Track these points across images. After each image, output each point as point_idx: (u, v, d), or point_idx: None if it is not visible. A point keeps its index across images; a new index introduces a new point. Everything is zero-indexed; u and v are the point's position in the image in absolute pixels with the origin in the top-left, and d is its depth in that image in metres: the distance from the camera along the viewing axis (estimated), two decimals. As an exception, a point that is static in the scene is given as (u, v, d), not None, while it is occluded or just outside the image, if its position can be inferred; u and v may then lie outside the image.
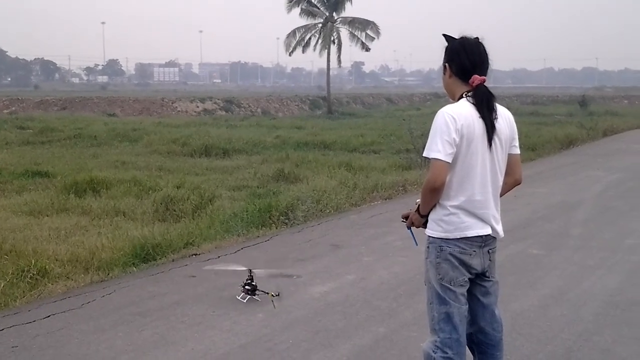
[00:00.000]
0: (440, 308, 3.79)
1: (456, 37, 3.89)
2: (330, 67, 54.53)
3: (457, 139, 3.65)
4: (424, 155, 3.73)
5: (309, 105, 60.53)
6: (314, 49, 52.88)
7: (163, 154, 20.72)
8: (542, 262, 8.05)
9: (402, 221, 4.08)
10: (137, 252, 8.22)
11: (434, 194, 3.73)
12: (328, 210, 11.30)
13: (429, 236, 3.82)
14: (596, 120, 34.13)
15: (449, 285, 3.76)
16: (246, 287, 6.40)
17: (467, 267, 3.76)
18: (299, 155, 19.28)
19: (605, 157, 20.52)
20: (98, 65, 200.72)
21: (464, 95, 3.80)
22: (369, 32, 51.83)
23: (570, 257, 8.26)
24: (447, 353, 3.75)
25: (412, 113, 42.60)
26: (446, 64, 3.87)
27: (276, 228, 9.98)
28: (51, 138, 25.81)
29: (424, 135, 17.12)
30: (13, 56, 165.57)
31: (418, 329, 5.62)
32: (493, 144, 3.75)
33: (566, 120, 35.60)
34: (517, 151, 3.98)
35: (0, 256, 7.83)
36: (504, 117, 3.86)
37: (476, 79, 3.77)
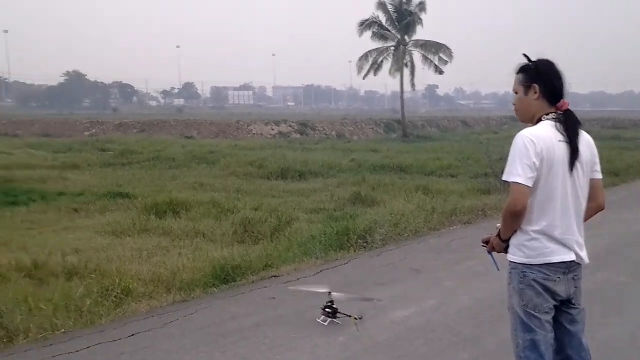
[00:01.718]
0: (525, 335, 3.71)
1: (528, 58, 3.82)
2: (404, 90, 54.42)
3: (537, 163, 3.60)
4: (503, 179, 3.68)
5: (384, 128, 60.43)
6: (388, 73, 52.90)
7: (240, 176, 20.94)
8: (630, 290, 7.81)
9: (483, 246, 4.01)
10: (217, 273, 8.28)
11: (514, 219, 3.68)
12: (406, 234, 11.21)
13: (511, 261, 3.76)
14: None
15: (533, 312, 3.69)
16: (327, 309, 6.38)
17: (551, 293, 3.68)
18: (375, 179, 19.24)
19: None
20: (174, 88, 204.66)
21: (543, 118, 3.75)
22: (441, 55, 51.53)
23: (659, 286, 8.00)
24: None
25: (489, 136, 42.03)
26: (535, 84, 3.77)
27: (354, 251, 9.94)
28: (131, 160, 26.43)
29: (502, 159, 16.85)
30: (92, 80, 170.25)
31: (502, 357, 5.48)
32: (574, 168, 3.69)
33: (648, 145, 34.65)
34: (599, 176, 3.90)
35: (86, 275, 7.98)
36: (585, 141, 3.79)
37: (565, 103, 3.75)
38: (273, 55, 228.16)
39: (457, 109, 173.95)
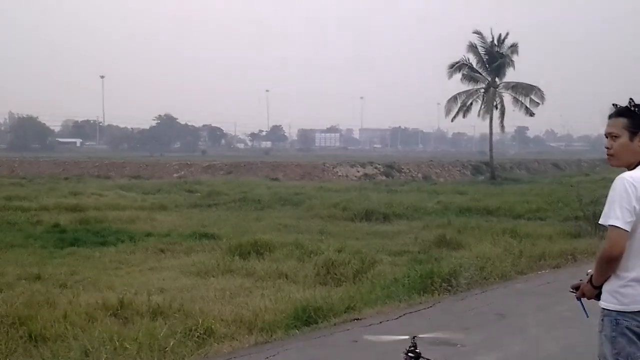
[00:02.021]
0: None
1: (634, 103, 3.76)
2: (493, 132, 53.85)
3: (638, 207, 3.52)
4: (600, 222, 3.61)
5: (471, 170, 59.81)
6: (478, 115, 52.49)
7: (324, 217, 20.98)
8: None
9: (571, 291, 3.88)
10: (298, 315, 8.27)
11: (610, 264, 3.59)
12: (492, 278, 10.97)
13: (604, 308, 3.66)
14: None
15: None
16: (409, 354, 6.24)
17: None
18: (461, 221, 18.97)
19: None
20: (262, 131, 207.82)
21: None
22: (533, 97, 50.84)
23: None
24: None
25: (580, 179, 41.03)
26: None
27: (438, 295, 9.77)
28: (217, 201, 26.85)
29: (594, 202, 16.42)
30: (183, 123, 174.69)
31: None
32: None
33: None
34: None
35: (170, 314, 8.10)
36: None
37: None
38: (361, 98, 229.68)
39: (547, 151, 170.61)
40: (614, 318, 3.60)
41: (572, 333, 7.60)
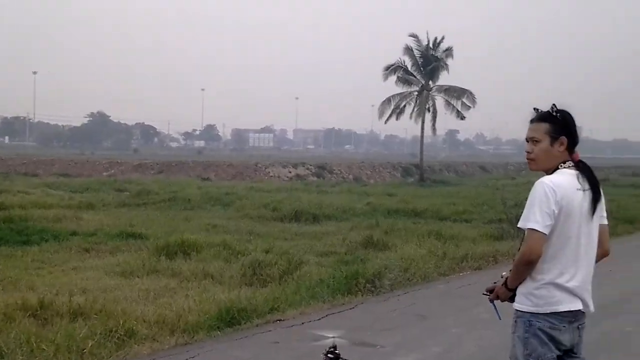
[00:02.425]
0: None
1: (556, 109, 3.88)
2: (425, 134, 54.56)
3: (556, 211, 3.64)
4: (519, 225, 3.72)
5: (401, 172, 60.49)
6: (410, 117, 53.09)
7: (254, 218, 20.94)
8: (635, 339, 7.72)
9: (484, 294, 3.99)
10: (222, 316, 8.26)
11: (528, 267, 3.70)
12: (415, 280, 11.14)
13: (517, 310, 3.76)
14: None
15: None
16: (329, 355, 6.30)
17: (556, 343, 3.70)
18: (389, 223, 19.14)
19: None
20: (196, 130, 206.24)
21: (560, 167, 3.82)
22: (464, 100, 51.69)
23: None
24: None
25: (506, 182, 41.91)
26: (563, 137, 3.83)
27: (362, 296, 9.88)
28: (147, 200, 26.48)
29: (518, 205, 16.79)
30: (115, 121, 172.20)
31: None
32: (590, 215, 3.75)
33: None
34: (606, 222, 3.94)
35: (91, 315, 7.97)
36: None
37: (578, 154, 3.87)
38: (296, 98, 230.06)
39: (476, 154, 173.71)
40: (527, 320, 3.71)
41: (490, 334, 7.77)
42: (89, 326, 7.36)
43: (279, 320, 8.32)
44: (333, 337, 6.51)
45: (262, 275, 11.04)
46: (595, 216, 3.78)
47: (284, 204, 23.22)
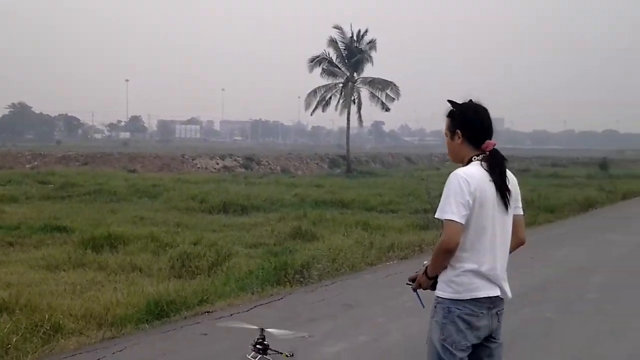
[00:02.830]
0: None
1: (460, 102, 3.99)
2: (351, 126, 54.95)
3: (471, 202, 3.73)
4: (436, 216, 3.80)
5: (329, 163, 60.82)
6: (335, 109, 53.40)
7: (181, 210, 20.81)
8: (556, 326, 8.00)
9: (408, 284, 4.11)
10: (151, 309, 8.21)
11: (446, 256, 3.80)
12: (343, 270, 11.28)
13: (438, 297, 3.87)
14: (616, 182, 34.06)
15: (450, 348, 3.81)
16: (257, 346, 6.36)
17: (474, 329, 3.82)
18: (317, 214, 19.26)
19: (625, 220, 20.45)
20: (121, 121, 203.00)
21: (473, 159, 3.90)
22: (389, 92, 52.27)
23: (585, 322, 8.23)
24: None
25: (431, 173, 42.60)
26: (458, 130, 3.94)
27: (291, 286, 9.97)
28: (71, 193, 26.01)
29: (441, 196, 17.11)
30: (37, 112, 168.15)
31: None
32: (502, 205, 3.85)
33: (586, 183, 35.50)
34: (521, 212, 4.06)
35: (15, 310, 7.82)
36: (509, 179, 3.94)
37: (490, 144, 3.89)
38: (222, 90, 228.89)
39: (402, 145, 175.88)
40: (447, 306, 3.82)
41: (416, 322, 7.93)
42: (13, 321, 7.21)
43: (208, 312, 8.34)
44: (262, 328, 6.57)
45: (190, 267, 11.01)
46: (509, 206, 3.90)
47: (212, 196, 23.13)
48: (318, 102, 52.99)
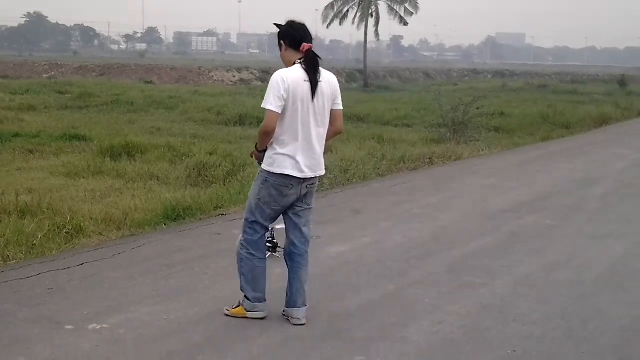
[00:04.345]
0: (249, 216, 5.10)
1: (283, 23, 5.07)
2: (368, 40, 54.59)
3: (285, 96, 4.75)
4: (262, 106, 4.82)
5: (345, 78, 60.54)
6: (352, 22, 52.95)
7: (198, 122, 21.06)
8: (554, 231, 8.33)
9: (251, 157, 5.24)
10: (168, 213, 8.55)
11: (266, 136, 4.87)
12: (355, 180, 11.60)
13: (262, 168, 4.99)
14: (632, 100, 33.93)
15: (262, 205, 5.01)
16: (267, 244, 6.74)
17: (284, 196, 4.94)
18: (332, 127, 19.42)
19: (635, 136, 20.62)
20: (137, 33, 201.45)
21: (296, 62, 4.91)
22: (407, 6, 51.80)
23: (582, 228, 8.55)
24: (249, 250, 5.12)
25: (449, 88, 42.39)
26: (281, 41, 5.04)
27: (302, 195, 10.30)
28: (89, 103, 26.29)
29: (454, 110, 17.33)
30: (53, 22, 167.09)
31: (424, 287, 6.01)
32: (315, 100, 4.87)
33: (604, 100, 35.37)
34: (340, 107, 5.17)
35: (38, 213, 8.10)
36: (327, 80, 5.00)
37: (305, 45, 4.93)
38: (239, 1, 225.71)
39: (420, 60, 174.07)
40: (265, 176, 4.95)
41: (417, 227, 8.38)
42: (37, 222, 7.57)
43: (222, 215, 8.74)
44: (272, 227, 6.95)
45: (206, 176, 11.25)
46: (321, 101, 4.91)
47: (228, 108, 23.25)
48: (335, 15, 52.60)
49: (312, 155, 4.94)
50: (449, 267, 6.70)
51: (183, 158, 12.72)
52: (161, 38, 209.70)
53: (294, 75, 4.82)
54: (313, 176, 4.99)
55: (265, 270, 5.20)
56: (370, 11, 51.97)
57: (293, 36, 4.97)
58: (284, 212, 5.12)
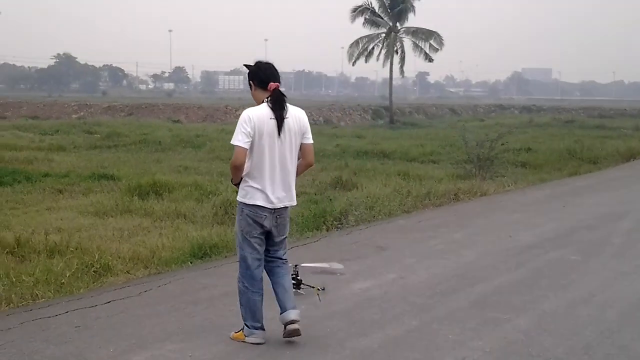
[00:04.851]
0: (240, 251, 5.43)
1: (252, 64, 5.48)
2: (394, 77, 54.83)
3: (252, 132, 5.15)
4: (231, 142, 5.18)
5: (371, 114, 60.81)
6: (377, 59, 53.26)
7: (225, 160, 21.12)
8: (579, 267, 8.29)
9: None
10: (195, 252, 8.66)
11: (236, 170, 5.26)
12: (380, 217, 11.62)
13: (237, 200, 5.37)
14: (662, 134, 33.71)
15: (246, 236, 5.34)
16: (292, 281, 6.79)
17: (258, 225, 5.29)
18: (358, 164, 19.59)
19: (664, 171, 20.47)
20: (165, 72, 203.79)
21: (264, 101, 5.28)
22: (432, 42, 51.93)
23: (606, 264, 8.48)
24: (244, 283, 5.41)
25: (475, 124, 42.39)
26: (250, 81, 5.44)
27: (327, 231, 10.38)
28: (117, 143, 26.69)
29: (479, 146, 17.35)
30: (82, 62, 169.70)
31: (448, 323, 6.00)
32: (282, 135, 5.23)
33: (632, 134, 35.15)
34: (310, 141, 5.52)
35: (66, 252, 8.21)
36: (294, 116, 5.36)
37: (272, 85, 5.30)
38: (265, 40, 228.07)
39: (447, 96, 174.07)
40: (241, 208, 5.34)
41: (442, 263, 8.37)
42: (65, 261, 7.69)
43: (247, 253, 8.78)
44: (295, 264, 7.01)
45: (233, 214, 11.22)
46: (288, 137, 5.27)
47: (254, 147, 23.33)
48: (360, 52, 52.93)
49: (280, 188, 5.33)
50: (473, 303, 6.70)
51: (210, 196, 12.79)
52: (188, 77, 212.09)
53: (260, 112, 5.24)
54: (282, 207, 5.37)
55: (261, 302, 5.46)
56: (395, 48, 52.26)
57: (260, 76, 5.39)
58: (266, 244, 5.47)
